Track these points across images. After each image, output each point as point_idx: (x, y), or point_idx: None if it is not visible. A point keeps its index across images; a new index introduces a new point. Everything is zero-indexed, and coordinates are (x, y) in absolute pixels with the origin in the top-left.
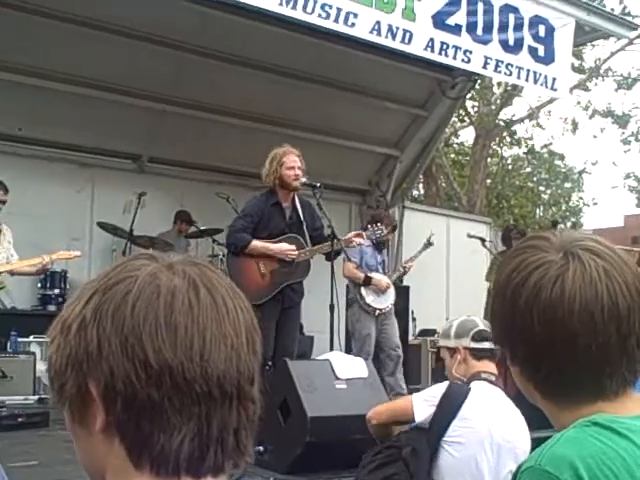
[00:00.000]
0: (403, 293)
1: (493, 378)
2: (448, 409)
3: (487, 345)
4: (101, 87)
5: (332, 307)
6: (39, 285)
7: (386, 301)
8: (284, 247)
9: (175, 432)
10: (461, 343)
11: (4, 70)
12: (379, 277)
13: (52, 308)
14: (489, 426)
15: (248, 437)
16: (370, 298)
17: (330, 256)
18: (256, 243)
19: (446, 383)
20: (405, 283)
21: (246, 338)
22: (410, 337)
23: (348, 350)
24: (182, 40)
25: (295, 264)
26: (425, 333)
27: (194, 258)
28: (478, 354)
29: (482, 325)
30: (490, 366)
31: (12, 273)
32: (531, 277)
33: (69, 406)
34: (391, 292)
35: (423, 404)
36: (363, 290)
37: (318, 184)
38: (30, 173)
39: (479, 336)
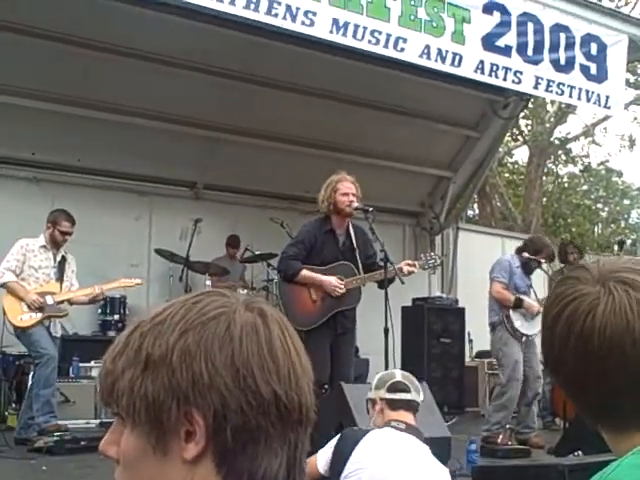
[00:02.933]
0: (459, 315)
1: (403, 426)
2: (341, 454)
3: (402, 396)
4: (157, 117)
5: (387, 330)
6: (99, 311)
7: (534, 327)
8: (332, 282)
9: (276, 457)
10: (378, 394)
11: (64, 103)
12: (530, 301)
13: (112, 334)
14: (387, 469)
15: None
16: (518, 322)
17: (383, 284)
18: (305, 273)
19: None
20: (461, 304)
21: (307, 370)
22: (467, 359)
23: None
24: (235, 69)
25: (346, 291)
26: (482, 355)
27: (254, 297)
28: (393, 404)
29: (399, 377)
30: (405, 415)
31: (69, 302)
32: (566, 309)
33: (150, 435)
34: (539, 319)
35: (322, 455)
36: (512, 313)
37: (370, 208)
38: (90, 202)
39: (394, 387)
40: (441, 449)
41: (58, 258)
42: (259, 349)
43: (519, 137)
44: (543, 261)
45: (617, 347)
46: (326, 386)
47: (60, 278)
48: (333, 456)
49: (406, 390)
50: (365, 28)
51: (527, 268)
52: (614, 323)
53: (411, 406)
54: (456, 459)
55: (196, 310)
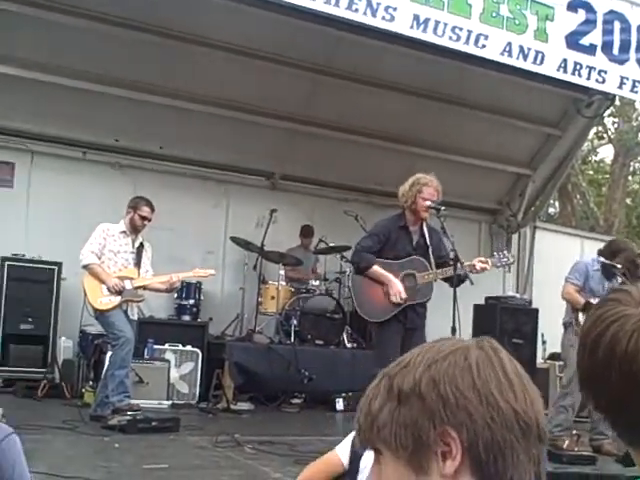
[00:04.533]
0: (532, 315)
1: None
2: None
3: None
4: (238, 108)
5: (454, 330)
6: (175, 296)
7: None
8: (399, 288)
9: (524, 472)
10: None
11: (148, 92)
12: None
13: (187, 318)
14: None
15: None
16: None
17: (452, 282)
18: (376, 269)
19: None
20: (535, 305)
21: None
22: (539, 360)
23: None
24: (315, 62)
25: (418, 286)
26: (555, 357)
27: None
28: None
29: None
30: None
31: (144, 288)
32: (608, 331)
33: (411, 458)
34: None
35: (344, 449)
36: (581, 316)
37: (443, 207)
38: (169, 189)
39: None
40: None
41: (136, 244)
42: (495, 374)
43: (604, 135)
44: (619, 266)
45: None
46: None
47: (138, 264)
48: (351, 447)
49: None
50: (446, 24)
51: (607, 272)
52: None
53: None
54: None
55: (435, 350)
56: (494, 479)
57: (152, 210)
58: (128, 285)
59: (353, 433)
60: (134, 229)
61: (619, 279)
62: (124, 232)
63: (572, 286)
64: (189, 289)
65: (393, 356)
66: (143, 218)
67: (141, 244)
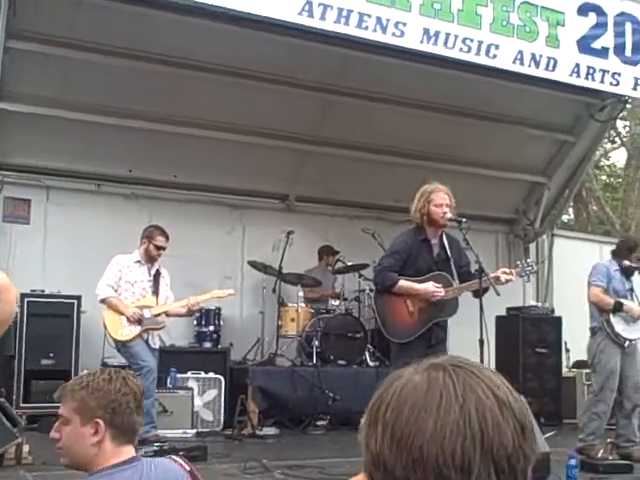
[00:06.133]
0: (555, 324)
1: None
2: None
3: None
4: (248, 131)
5: (482, 342)
6: (195, 323)
7: (638, 331)
8: (430, 288)
9: None
10: None
11: (156, 121)
12: (631, 304)
13: (208, 345)
14: None
15: None
16: (620, 327)
17: (478, 293)
18: (402, 283)
19: None
20: (557, 314)
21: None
22: (564, 369)
23: None
24: (324, 82)
25: (444, 302)
26: (580, 365)
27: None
28: None
29: None
30: None
31: (167, 314)
32: None
33: None
34: None
35: None
36: (612, 318)
37: (464, 219)
38: (184, 217)
39: None
40: (540, 464)
41: (153, 272)
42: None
43: (616, 139)
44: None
45: None
46: None
47: (156, 292)
48: None
49: None
50: (456, 36)
51: (627, 272)
52: None
53: None
54: (556, 474)
55: None
56: None
57: (167, 239)
58: (147, 314)
59: None
60: (150, 259)
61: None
62: (139, 262)
63: (597, 288)
64: (208, 315)
65: None
66: (158, 248)
67: (157, 271)
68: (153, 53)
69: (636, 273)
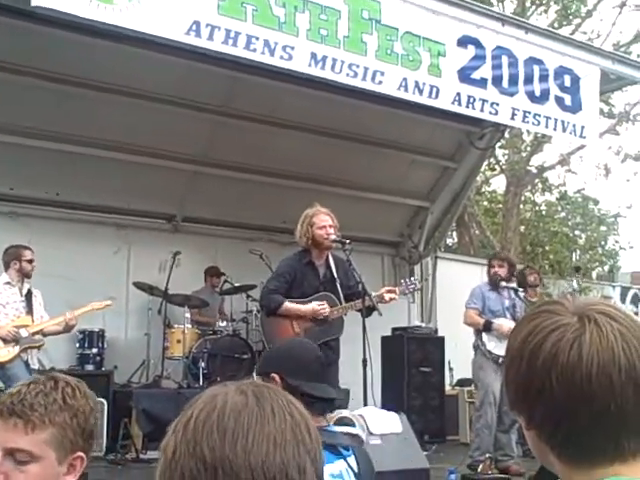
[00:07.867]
0: (438, 343)
1: None
2: None
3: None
4: (135, 151)
5: (365, 362)
6: (77, 345)
7: None
8: (315, 307)
9: None
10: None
11: (42, 139)
12: (501, 321)
13: (90, 367)
14: None
15: None
16: (492, 344)
17: (362, 313)
18: (288, 305)
19: None
20: (441, 333)
21: (291, 436)
22: (447, 387)
23: (384, 404)
24: (213, 103)
25: (329, 322)
26: (462, 383)
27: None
28: None
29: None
30: None
31: (44, 333)
32: (548, 340)
33: None
34: None
35: None
36: (484, 336)
37: (348, 241)
38: (67, 236)
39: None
40: None
41: (24, 292)
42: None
43: (496, 166)
44: (496, 265)
45: (604, 375)
46: None
47: (30, 311)
48: None
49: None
50: (343, 62)
51: (494, 286)
52: (601, 352)
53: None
54: None
55: None
56: None
57: (32, 251)
58: (24, 333)
59: None
60: (25, 276)
61: (519, 295)
62: (8, 283)
63: (472, 310)
64: (92, 337)
65: None
66: (29, 262)
67: (29, 291)
68: (37, 69)
69: (507, 284)
